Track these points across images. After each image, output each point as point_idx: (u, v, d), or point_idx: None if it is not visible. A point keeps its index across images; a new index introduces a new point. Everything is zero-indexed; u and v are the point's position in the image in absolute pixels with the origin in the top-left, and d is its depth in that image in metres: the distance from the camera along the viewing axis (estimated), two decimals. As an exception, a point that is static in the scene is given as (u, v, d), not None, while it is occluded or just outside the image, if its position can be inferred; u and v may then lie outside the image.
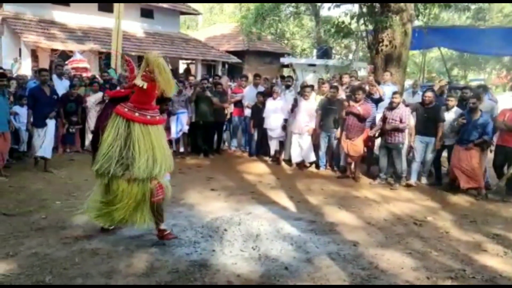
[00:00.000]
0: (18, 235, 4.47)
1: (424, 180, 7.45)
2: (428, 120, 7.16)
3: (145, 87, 3.94)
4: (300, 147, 8.22)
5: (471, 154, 6.67)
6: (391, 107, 7.16)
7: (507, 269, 4.15)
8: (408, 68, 13.30)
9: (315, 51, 23.68)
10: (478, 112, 6.69)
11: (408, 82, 14.01)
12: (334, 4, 11.97)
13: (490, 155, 7.06)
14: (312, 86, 8.85)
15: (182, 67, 21.61)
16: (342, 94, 8.26)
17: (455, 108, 7.20)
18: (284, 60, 18.67)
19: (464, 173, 6.69)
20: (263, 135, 8.95)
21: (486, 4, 23.18)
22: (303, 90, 8.36)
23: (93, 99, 9.14)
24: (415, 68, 25.13)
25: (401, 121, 6.99)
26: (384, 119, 7.23)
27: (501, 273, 4.05)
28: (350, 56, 17.34)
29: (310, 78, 13.64)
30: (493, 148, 7.04)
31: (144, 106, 4.12)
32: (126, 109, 4.09)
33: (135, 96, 4.10)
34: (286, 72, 19.02)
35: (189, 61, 21.26)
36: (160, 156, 4.12)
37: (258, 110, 8.81)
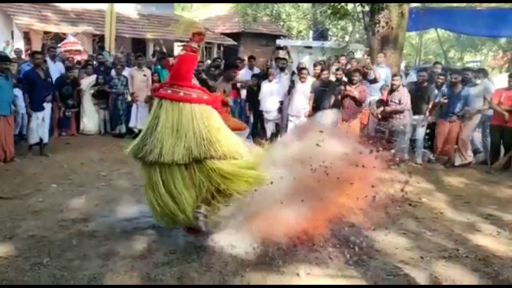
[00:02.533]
0: (15, 218, 4.49)
1: (419, 160, 7.51)
2: (420, 99, 7.31)
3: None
4: (297, 129, 8.22)
5: (455, 126, 6.88)
6: (392, 89, 7.24)
7: (500, 248, 4.21)
8: (404, 50, 13.23)
9: (311, 32, 23.52)
10: (459, 86, 7.14)
11: (403, 64, 13.98)
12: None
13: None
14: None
15: (177, 49, 21.40)
16: (332, 77, 8.25)
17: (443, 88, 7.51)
18: (280, 42, 18.52)
19: (450, 144, 6.97)
20: (259, 118, 8.94)
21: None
22: (300, 73, 8.33)
23: (87, 82, 9.08)
24: (412, 50, 25.01)
25: (399, 103, 7.06)
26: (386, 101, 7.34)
27: (494, 253, 4.11)
28: (347, 38, 17.20)
29: (306, 60, 13.56)
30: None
31: (178, 82, 3.72)
32: (160, 89, 3.80)
33: (171, 71, 3.93)
34: (281, 54, 18.88)
35: (184, 43, 21.05)
36: (196, 140, 3.59)
37: (253, 93, 8.78)
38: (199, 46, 3.74)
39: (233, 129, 4.16)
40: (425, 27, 14.86)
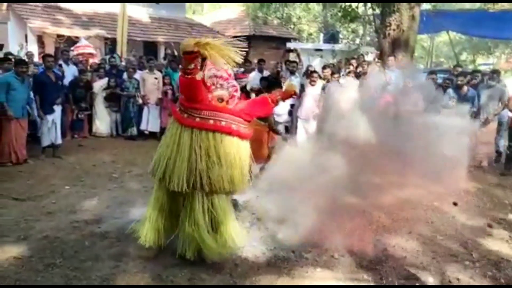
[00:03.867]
0: (29, 219, 4.55)
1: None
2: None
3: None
4: (306, 132, 8.22)
5: None
6: None
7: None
8: (416, 53, 13.18)
9: (321, 35, 23.47)
10: (465, 87, 7.32)
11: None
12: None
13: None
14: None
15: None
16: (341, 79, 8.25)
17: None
18: (290, 45, 18.53)
19: None
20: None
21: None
22: (311, 76, 8.33)
23: (99, 85, 9.18)
24: (423, 53, 24.84)
25: None
26: None
27: (506, 258, 4.08)
28: (357, 41, 17.18)
29: (316, 63, 13.55)
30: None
31: (196, 105, 3.48)
32: (183, 113, 3.53)
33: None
34: (291, 57, 18.89)
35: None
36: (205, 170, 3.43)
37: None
38: (199, 62, 3.35)
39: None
40: (437, 30, 14.78)
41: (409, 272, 3.75)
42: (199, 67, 3.36)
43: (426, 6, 12.28)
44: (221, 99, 3.57)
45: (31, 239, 4.06)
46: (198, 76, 3.36)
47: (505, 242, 4.49)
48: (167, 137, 3.60)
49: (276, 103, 3.99)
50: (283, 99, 4.13)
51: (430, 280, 3.64)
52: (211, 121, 3.46)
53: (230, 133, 3.51)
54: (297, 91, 3.74)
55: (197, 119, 3.44)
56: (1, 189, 5.53)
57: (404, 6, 9.11)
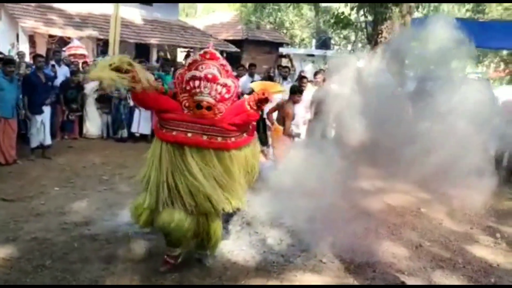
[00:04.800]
0: (18, 220, 4.53)
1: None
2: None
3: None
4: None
5: None
6: None
7: (498, 259, 4.26)
8: (406, 60, 13.27)
9: (314, 41, 23.66)
10: None
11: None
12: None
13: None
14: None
15: (180, 55, 21.53)
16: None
17: None
18: (283, 50, 18.64)
19: None
20: (263, 125, 8.98)
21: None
22: (301, 81, 8.39)
23: (90, 86, 9.15)
24: (414, 60, 24.99)
25: None
26: None
27: (491, 264, 4.15)
28: (349, 47, 17.32)
29: (308, 68, 13.66)
30: None
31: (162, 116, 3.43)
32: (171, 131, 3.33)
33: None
34: (284, 62, 19.01)
35: (187, 49, 21.20)
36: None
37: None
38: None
39: None
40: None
41: (396, 278, 3.80)
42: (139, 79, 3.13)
43: (417, 14, 12.43)
44: (209, 107, 3.23)
45: (19, 240, 4.04)
46: (138, 87, 3.15)
47: (490, 248, 4.57)
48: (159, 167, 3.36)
49: (255, 107, 3.36)
50: (260, 102, 3.36)
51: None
52: (232, 139, 3.37)
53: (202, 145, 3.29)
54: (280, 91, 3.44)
55: (174, 133, 3.26)
56: (-10, 189, 5.50)
57: (395, 14, 9.22)
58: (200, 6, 32.53)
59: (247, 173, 3.57)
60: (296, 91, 6.56)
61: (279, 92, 3.30)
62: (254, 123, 3.68)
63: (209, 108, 3.23)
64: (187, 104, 3.26)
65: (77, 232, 4.27)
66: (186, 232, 3.42)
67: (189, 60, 3.34)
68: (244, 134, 3.50)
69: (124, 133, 9.11)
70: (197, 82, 3.18)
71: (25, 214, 4.72)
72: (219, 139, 3.30)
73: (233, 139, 3.37)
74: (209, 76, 3.18)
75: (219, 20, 24.62)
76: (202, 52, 3.31)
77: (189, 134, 3.24)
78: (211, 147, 3.30)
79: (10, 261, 3.63)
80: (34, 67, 7.81)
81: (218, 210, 3.41)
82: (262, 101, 3.30)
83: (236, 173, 3.41)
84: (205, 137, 3.26)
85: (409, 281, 3.73)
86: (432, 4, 12.39)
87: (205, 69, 3.19)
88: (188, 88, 3.21)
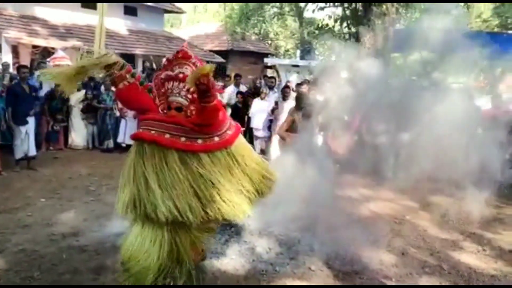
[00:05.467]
0: (5, 232, 4.49)
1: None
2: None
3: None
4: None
5: None
6: None
7: (481, 265, 4.35)
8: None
9: (298, 52, 23.95)
10: None
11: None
12: (318, 7, 12.18)
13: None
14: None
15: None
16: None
17: None
18: (268, 61, 18.82)
19: None
20: (249, 135, 9.06)
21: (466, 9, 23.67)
22: (283, 91, 8.53)
23: (75, 98, 9.12)
24: (397, 71, 25.46)
25: None
26: None
27: (476, 269, 4.25)
28: (333, 58, 17.57)
29: (293, 78, 13.80)
30: None
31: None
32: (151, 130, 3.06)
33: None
34: (269, 73, 19.17)
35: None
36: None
37: (238, 110, 8.93)
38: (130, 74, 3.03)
39: None
40: (409, 48, 15.25)
41: (384, 284, 3.87)
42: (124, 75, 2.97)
43: (400, 26, 12.74)
44: (179, 108, 3.04)
45: (7, 252, 4.00)
46: (121, 85, 3.00)
47: (474, 254, 4.67)
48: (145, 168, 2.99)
49: (203, 99, 2.89)
50: (202, 92, 2.85)
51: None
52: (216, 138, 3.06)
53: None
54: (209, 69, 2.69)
55: (152, 132, 2.98)
56: (-26, 201, 5.43)
57: (378, 26, 9.45)
58: (185, 17, 32.70)
59: (250, 178, 3.19)
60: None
61: (209, 71, 2.69)
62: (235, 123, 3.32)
63: (179, 108, 3.03)
64: (161, 107, 3.10)
65: (65, 243, 4.25)
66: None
67: (164, 61, 3.21)
68: (228, 132, 3.14)
69: (110, 143, 9.09)
70: (170, 83, 3.06)
71: (12, 225, 4.68)
72: (199, 141, 2.99)
73: (216, 138, 3.04)
74: (180, 75, 3.03)
75: (204, 31, 24.77)
76: (175, 51, 3.17)
77: (167, 135, 2.95)
78: (189, 150, 2.97)
79: (-2, 273, 3.60)
80: (18, 78, 7.76)
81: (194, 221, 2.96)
82: (203, 91, 2.82)
83: (227, 178, 3.06)
84: (183, 139, 2.97)
85: None
86: (414, 17, 12.70)
87: (178, 68, 3.07)
88: (163, 90, 3.09)
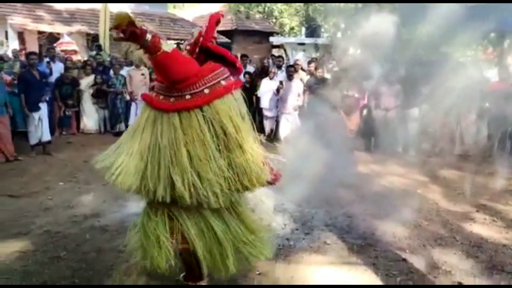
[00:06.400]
0: (27, 215, 4.64)
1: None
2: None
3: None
4: (289, 124, 8.47)
5: None
6: None
7: (493, 235, 4.44)
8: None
9: (303, 29, 23.70)
10: None
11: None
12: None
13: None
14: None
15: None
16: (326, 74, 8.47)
17: None
18: (274, 40, 18.67)
19: None
20: (259, 114, 9.11)
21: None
22: (288, 70, 8.55)
23: (86, 82, 9.20)
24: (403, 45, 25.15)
25: None
26: None
27: (487, 239, 4.34)
28: (339, 35, 17.39)
29: (300, 57, 13.74)
30: None
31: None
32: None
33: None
34: (276, 52, 19.06)
35: (177, 41, 21.14)
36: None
37: (246, 90, 8.95)
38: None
39: None
40: (417, 21, 15.06)
41: (398, 255, 3.97)
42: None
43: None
44: None
45: (32, 234, 4.15)
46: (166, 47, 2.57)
47: (486, 225, 4.76)
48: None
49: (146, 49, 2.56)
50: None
51: (418, 261, 3.86)
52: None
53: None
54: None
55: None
56: (-5, 186, 5.59)
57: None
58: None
59: (229, 159, 2.63)
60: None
61: (122, 20, 2.38)
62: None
63: None
64: None
65: (87, 224, 4.38)
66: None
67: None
68: (206, 91, 2.62)
69: (122, 126, 9.18)
70: None
71: (34, 209, 4.82)
72: (172, 99, 2.63)
73: (187, 96, 2.61)
74: None
75: (207, 11, 24.52)
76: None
77: (161, 97, 2.68)
78: (159, 108, 2.65)
79: (26, 254, 3.74)
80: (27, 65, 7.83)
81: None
82: (139, 44, 2.52)
83: (195, 151, 2.56)
84: (172, 100, 2.63)
85: (410, 259, 3.89)
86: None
87: None
88: None
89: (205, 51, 2.81)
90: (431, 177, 6.69)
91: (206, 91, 2.60)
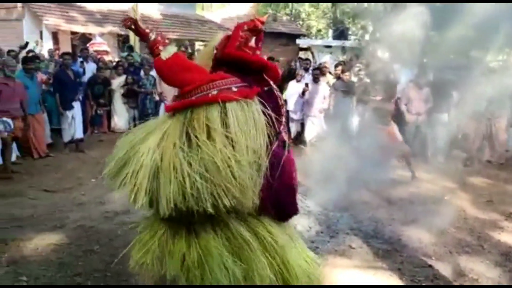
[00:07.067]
0: (62, 209, 4.83)
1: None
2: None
3: None
4: (315, 127, 8.49)
5: None
6: None
7: (523, 244, 4.38)
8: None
9: (330, 31, 23.64)
10: None
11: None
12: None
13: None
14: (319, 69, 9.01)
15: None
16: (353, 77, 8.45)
17: None
18: (300, 42, 18.68)
19: None
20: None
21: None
22: (314, 73, 8.57)
23: (117, 82, 9.45)
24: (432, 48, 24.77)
25: None
26: None
27: (516, 248, 4.28)
28: (367, 37, 17.26)
29: (326, 59, 13.73)
30: None
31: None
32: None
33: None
34: (303, 55, 19.07)
35: (205, 43, 21.39)
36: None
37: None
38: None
39: None
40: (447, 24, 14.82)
41: (424, 262, 3.96)
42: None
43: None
44: None
45: (67, 228, 4.32)
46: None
47: (515, 234, 4.69)
48: None
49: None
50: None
51: (445, 268, 3.84)
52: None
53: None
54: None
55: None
56: (32, 181, 5.83)
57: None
58: (215, -2, 32.66)
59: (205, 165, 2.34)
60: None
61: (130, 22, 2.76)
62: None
63: None
64: None
65: (118, 220, 4.53)
66: None
67: None
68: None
69: (151, 126, 9.39)
70: None
71: (68, 204, 5.02)
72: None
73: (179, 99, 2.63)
74: None
75: (235, 13, 24.71)
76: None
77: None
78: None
79: (61, 246, 3.91)
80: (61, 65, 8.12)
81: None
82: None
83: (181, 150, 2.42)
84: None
85: (437, 265, 3.88)
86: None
87: None
88: None
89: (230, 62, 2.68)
90: (459, 183, 6.61)
91: (214, 92, 2.51)
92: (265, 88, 2.70)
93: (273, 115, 2.58)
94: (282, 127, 2.63)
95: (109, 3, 16.64)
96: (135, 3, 14.02)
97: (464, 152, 7.82)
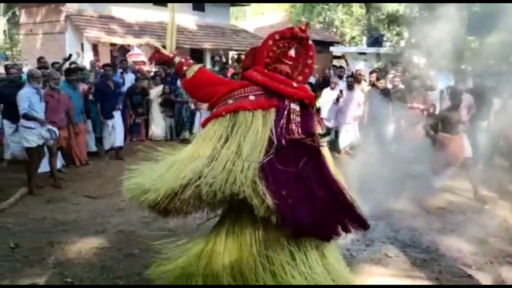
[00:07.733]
0: (103, 214, 5.02)
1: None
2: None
3: None
4: (349, 135, 8.44)
5: None
6: None
7: None
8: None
9: (365, 39, 23.41)
10: None
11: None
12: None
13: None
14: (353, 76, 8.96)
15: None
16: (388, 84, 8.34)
17: None
18: (334, 49, 18.62)
19: None
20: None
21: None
22: (348, 81, 8.54)
23: (155, 92, 9.72)
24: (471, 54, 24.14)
25: None
26: None
27: (562, 260, 4.12)
28: (402, 43, 17.03)
29: (361, 67, 13.61)
30: None
31: None
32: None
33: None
34: (337, 62, 18.99)
35: (238, 52, 21.67)
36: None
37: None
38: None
39: None
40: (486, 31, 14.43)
41: (463, 271, 3.88)
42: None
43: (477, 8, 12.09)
44: None
45: (108, 233, 4.49)
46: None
47: (560, 245, 4.51)
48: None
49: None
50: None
51: (485, 278, 3.75)
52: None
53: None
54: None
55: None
56: (74, 187, 6.08)
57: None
58: (248, 8, 33.09)
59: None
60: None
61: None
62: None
63: None
64: None
65: (157, 225, 4.66)
66: None
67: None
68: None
69: (187, 134, 9.58)
70: None
71: (109, 209, 5.21)
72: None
73: None
74: None
75: (268, 22, 24.93)
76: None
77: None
78: None
79: (103, 250, 4.07)
80: (102, 75, 8.43)
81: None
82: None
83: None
84: None
85: (477, 275, 3.80)
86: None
87: None
88: None
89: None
90: (500, 192, 6.41)
91: (231, 101, 2.77)
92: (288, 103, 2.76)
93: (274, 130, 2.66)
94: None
95: (147, 13, 17.13)
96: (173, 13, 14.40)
97: (505, 160, 7.58)
